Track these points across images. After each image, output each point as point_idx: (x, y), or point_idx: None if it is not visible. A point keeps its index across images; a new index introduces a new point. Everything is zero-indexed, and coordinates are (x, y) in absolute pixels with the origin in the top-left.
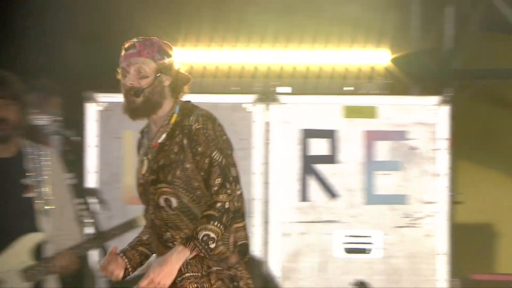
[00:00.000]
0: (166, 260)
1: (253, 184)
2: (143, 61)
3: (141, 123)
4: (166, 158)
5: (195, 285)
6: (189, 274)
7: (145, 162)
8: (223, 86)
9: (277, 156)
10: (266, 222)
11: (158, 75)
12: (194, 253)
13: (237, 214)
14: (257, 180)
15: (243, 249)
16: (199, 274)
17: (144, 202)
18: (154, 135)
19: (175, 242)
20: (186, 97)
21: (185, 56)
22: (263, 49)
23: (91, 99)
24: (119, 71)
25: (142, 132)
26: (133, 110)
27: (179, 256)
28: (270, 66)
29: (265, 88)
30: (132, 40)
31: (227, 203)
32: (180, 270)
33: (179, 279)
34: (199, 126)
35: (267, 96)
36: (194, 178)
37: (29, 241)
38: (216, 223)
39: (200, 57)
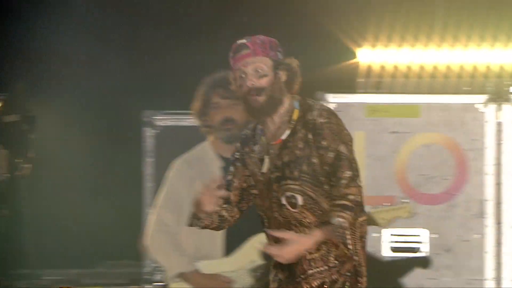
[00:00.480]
0: (298, 241)
1: (485, 185)
2: (260, 60)
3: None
4: (291, 154)
5: (319, 281)
6: (312, 271)
7: (266, 160)
8: (454, 86)
9: (510, 157)
10: (498, 223)
11: (275, 72)
12: (329, 238)
13: (362, 208)
14: (490, 181)
15: (364, 245)
16: (323, 269)
17: (264, 200)
18: (273, 132)
19: None
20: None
21: (418, 57)
22: (496, 49)
23: (323, 100)
24: (232, 74)
25: (253, 130)
26: (256, 110)
27: (312, 239)
28: (503, 66)
29: (498, 88)
30: (241, 41)
31: (359, 196)
32: (302, 268)
33: (302, 276)
34: (323, 120)
35: (500, 96)
36: (320, 173)
37: (259, 241)
38: (349, 213)
39: (431, 57)
